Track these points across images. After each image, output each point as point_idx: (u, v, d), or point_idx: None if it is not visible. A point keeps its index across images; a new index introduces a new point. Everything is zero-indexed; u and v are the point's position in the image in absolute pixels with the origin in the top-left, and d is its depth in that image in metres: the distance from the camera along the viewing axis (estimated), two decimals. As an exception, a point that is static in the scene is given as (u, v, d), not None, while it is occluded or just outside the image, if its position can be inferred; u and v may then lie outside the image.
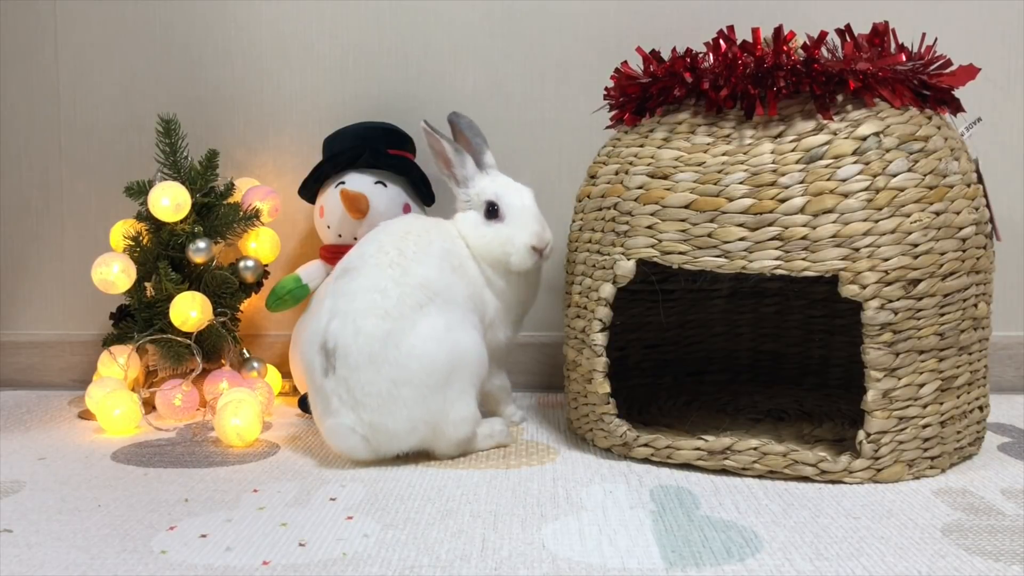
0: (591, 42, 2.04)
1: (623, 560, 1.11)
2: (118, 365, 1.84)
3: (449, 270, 1.55)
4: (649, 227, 1.46)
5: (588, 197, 1.61)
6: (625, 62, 1.63)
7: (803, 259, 1.37)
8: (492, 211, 1.64)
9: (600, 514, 1.27)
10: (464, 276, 1.59)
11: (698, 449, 1.45)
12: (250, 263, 1.93)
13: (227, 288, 1.88)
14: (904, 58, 1.45)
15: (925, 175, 1.40)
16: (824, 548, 1.14)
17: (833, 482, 1.40)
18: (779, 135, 1.42)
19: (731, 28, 1.50)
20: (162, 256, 1.87)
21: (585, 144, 1.86)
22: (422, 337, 1.46)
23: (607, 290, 1.50)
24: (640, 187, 1.48)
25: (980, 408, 1.52)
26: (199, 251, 1.85)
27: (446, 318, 1.49)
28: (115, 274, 1.84)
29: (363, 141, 1.92)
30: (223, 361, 1.90)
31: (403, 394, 1.44)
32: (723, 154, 1.43)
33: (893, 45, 1.49)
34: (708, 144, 1.45)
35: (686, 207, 1.43)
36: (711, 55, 1.50)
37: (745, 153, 1.42)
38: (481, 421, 1.56)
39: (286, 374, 2.00)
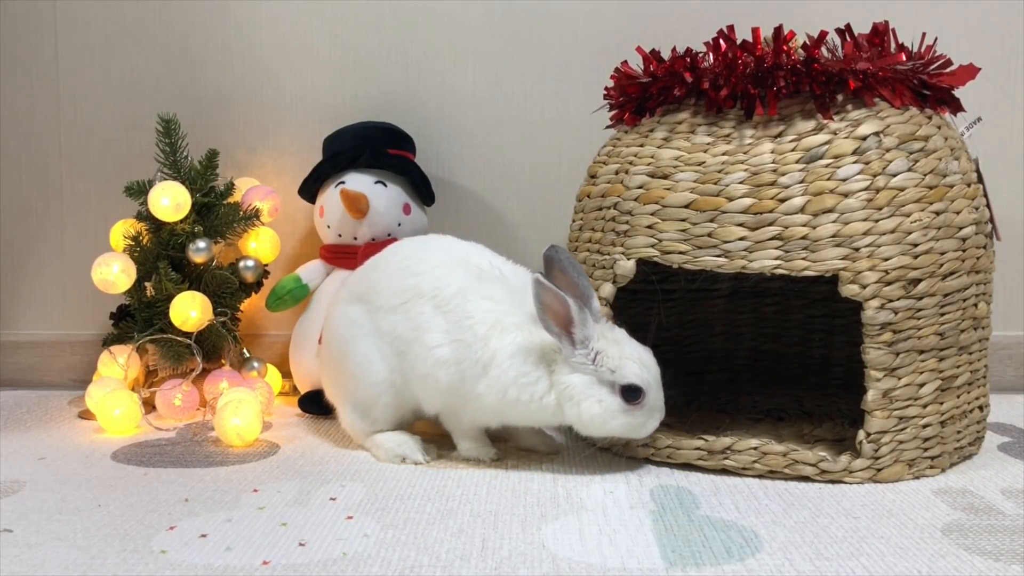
0: (591, 42, 2.04)
1: (623, 560, 1.11)
2: (118, 365, 1.84)
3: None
4: (649, 227, 1.46)
5: (588, 197, 1.61)
6: (625, 62, 1.63)
7: (803, 259, 1.37)
8: (634, 396, 1.39)
9: (600, 514, 1.27)
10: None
11: (698, 449, 1.45)
12: (250, 263, 1.93)
13: (227, 288, 1.88)
14: (904, 58, 1.45)
15: (925, 175, 1.40)
16: (824, 548, 1.14)
17: (833, 482, 1.40)
18: (779, 135, 1.42)
19: (731, 28, 1.50)
20: (162, 256, 1.87)
21: (585, 144, 1.86)
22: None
23: (607, 290, 1.50)
24: (640, 187, 1.48)
25: (980, 408, 1.52)
26: (199, 251, 1.85)
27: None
28: (115, 274, 1.84)
29: (363, 141, 1.92)
30: (223, 361, 1.90)
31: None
32: (723, 154, 1.43)
33: (893, 45, 1.49)
34: (708, 144, 1.45)
35: (686, 207, 1.43)
36: (711, 55, 1.50)
37: (745, 153, 1.42)
38: (388, 433, 1.55)
39: (286, 374, 2.00)
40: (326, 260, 1.95)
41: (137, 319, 1.88)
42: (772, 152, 1.40)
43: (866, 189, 1.37)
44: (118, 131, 2.11)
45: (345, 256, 1.89)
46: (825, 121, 1.41)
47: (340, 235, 1.91)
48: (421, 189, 1.93)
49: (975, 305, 1.45)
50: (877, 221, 1.36)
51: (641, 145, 1.52)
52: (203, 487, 1.39)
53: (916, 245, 1.37)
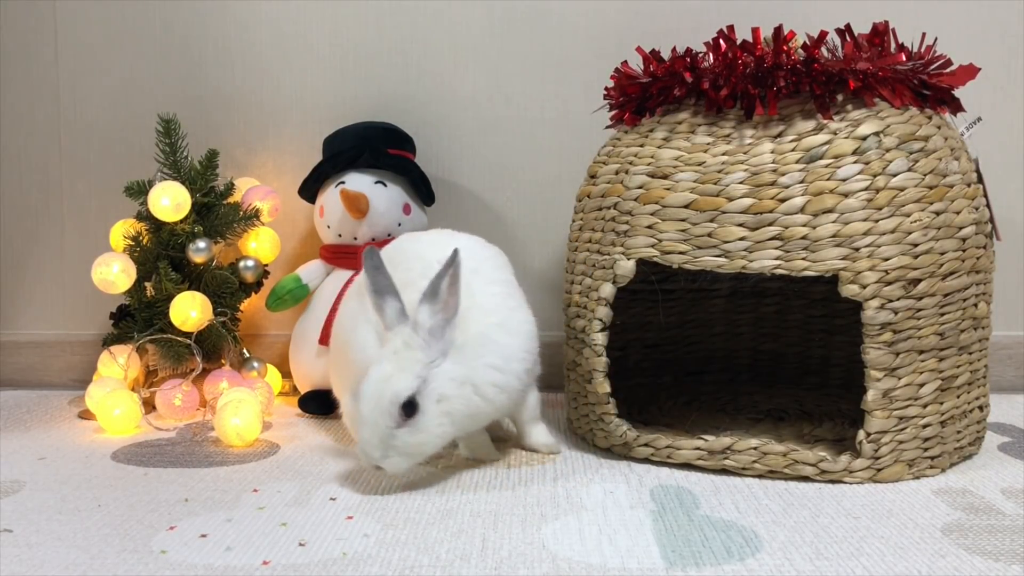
0: (591, 42, 2.04)
1: (623, 560, 1.11)
2: (118, 365, 1.84)
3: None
4: (649, 227, 1.46)
5: (588, 197, 1.61)
6: (625, 62, 1.63)
7: (803, 259, 1.37)
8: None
9: (600, 514, 1.27)
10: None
11: (698, 449, 1.45)
12: (250, 263, 1.93)
13: (227, 288, 1.88)
14: (904, 58, 1.45)
15: (925, 175, 1.40)
16: (824, 548, 1.14)
17: (833, 482, 1.40)
18: (779, 135, 1.42)
19: (731, 28, 1.50)
20: (162, 256, 1.87)
21: (585, 144, 1.86)
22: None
23: (607, 290, 1.50)
24: (640, 187, 1.48)
25: (980, 408, 1.52)
26: (199, 251, 1.85)
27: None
28: (115, 274, 1.84)
29: (363, 141, 1.92)
30: (223, 361, 1.90)
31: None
32: (723, 154, 1.43)
33: (893, 45, 1.49)
34: (708, 144, 1.45)
35: (686, 207, 1.43)
36: (711, 55, 1.50)
37: (745, 153, 1.42)
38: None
39: (286, 374, 2.00)
40: (326, 260, 1.95)
41: (137, 319, 1.88)
42: (772, 152, 1.40)
43: (866, 189, 1.37)
44: (118, 131, 2.11)
45: (345, 256, 1.90)
46: (825, 121, 1.41)
47: (340, 235, 1.91)
48: (421, 189, 1.93)
49: (975, 305, 1.45)
50: (877, 221, 1.36)
51: (641, 145, 1.52)
52: (203, 487, 1.39)
53: (916, 245, 1.37)
